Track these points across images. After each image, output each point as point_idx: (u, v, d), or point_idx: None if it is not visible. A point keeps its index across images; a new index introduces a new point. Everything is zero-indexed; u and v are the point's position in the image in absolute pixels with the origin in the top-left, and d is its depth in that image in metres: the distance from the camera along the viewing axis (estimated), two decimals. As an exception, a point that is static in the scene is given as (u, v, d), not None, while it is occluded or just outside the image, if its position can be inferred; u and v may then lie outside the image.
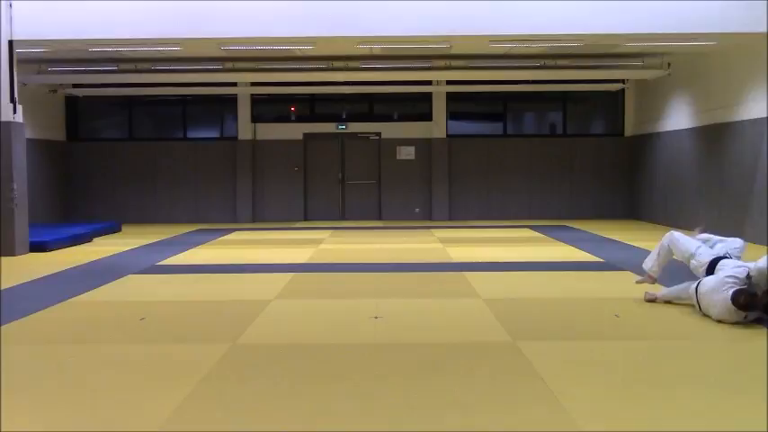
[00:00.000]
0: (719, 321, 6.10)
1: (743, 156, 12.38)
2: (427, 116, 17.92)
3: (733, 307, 5.98)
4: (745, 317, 6.01)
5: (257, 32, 11.37)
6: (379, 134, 18.00)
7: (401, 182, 17.97)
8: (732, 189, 12.72)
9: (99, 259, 10.70)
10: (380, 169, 18.03)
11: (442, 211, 17.76)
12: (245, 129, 17.84)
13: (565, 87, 17.12)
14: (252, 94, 17.81)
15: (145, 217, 17.58)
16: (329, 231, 15.04)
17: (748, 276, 6.11)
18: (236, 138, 17.89)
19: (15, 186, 11.16)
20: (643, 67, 14.96)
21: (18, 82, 11.53)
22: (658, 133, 16.04)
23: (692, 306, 6.52)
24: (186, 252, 11.62)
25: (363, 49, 13.01)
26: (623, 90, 17.52)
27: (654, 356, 5.20)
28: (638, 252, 10.92)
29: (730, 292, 6.02)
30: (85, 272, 9.48)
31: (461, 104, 18.32)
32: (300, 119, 18.28)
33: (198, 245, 12.66)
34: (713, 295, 6.18)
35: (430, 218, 17.83)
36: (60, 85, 16.41)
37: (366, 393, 4.36)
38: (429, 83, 17.14)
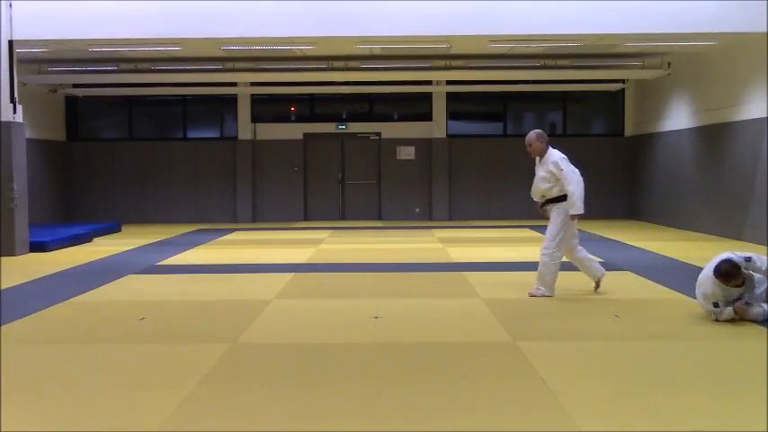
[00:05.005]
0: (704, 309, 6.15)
1: (743, 156, 12.37)
2: (427, 116, 17.91)
3: (712, 279, 5.95)
4: (716, 305, 6.01)
5: (257, 32, 11.37)
6: (379, 134, 17.99)
7: (401, 182, 17.96)
8: (732, 189, 12.71)
9: (99, 259, 10.70)
10: (380, 169, 18.02)
11: (442, 211, 17.75)
12: (245, 129, 17.84)
13: (565, 87, 17.11)
14: (252, 94, 17.79)
15: (145, 217, 17.57)
16: (329, 231, 15.04)
17: (748, 259, 6.00)
18: (236, 138, 17.88)
19: (15, 186, 11.15)
20: (643, 67, 14.95)
21: (18, 82, 11.53)
22: (658, 133, 16.03)
23: (694, 306, 6.53)
24: (186, 252, 11.62)
25: (363, 49, 13.01)
26: (623, 90, 17.51)
27: (654, 356, 5.20)
28: (639, 252, 10.92)
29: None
30: (85, 272, 9.48)
31: (461, 104, 18.30)
32: (300, 119, 18.27)
33: (198, 245, 12.65)
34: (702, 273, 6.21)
35: (430, 218, 17.82)
36: (60, 85, 16.39)
37: (366, 393, 4.36)
38: (429, 83, 17.13)
